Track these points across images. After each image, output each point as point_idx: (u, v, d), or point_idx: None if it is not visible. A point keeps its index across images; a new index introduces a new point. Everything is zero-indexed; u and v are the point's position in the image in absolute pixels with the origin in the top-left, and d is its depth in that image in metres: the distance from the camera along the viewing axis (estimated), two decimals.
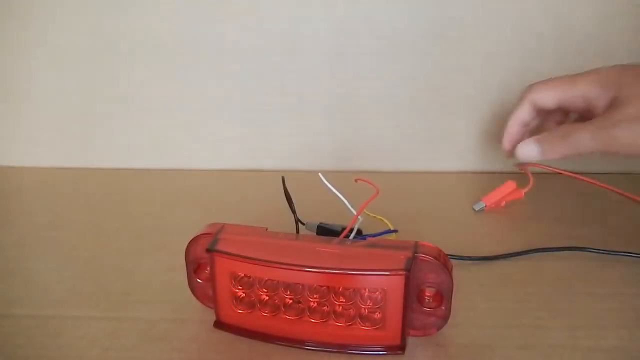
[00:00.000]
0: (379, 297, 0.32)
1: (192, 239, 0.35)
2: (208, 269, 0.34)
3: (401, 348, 0.32)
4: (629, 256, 0.43)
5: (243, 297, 0.34)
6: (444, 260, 0.32)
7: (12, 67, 0.63)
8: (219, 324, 0.35)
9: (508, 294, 0.39)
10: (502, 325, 0.36)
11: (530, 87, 0.48)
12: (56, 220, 0.53)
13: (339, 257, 0.33)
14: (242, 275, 0.34)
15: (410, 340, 0.34)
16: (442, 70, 0.61)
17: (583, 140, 0.42)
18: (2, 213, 0.55)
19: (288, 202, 0.41)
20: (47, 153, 0.66)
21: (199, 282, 0.36)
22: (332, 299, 0.33)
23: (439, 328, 0.33)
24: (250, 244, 0.33)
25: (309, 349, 0.33)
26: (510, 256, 0.44)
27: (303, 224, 0.44)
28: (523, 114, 0.48)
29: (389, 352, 0.33)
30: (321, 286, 0.33)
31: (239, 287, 0.34)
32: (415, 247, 0.32)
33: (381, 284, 0.31)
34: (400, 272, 0.30)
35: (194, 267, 0.36)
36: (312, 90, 0.63)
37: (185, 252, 0.35)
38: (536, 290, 0.40)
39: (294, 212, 0.41)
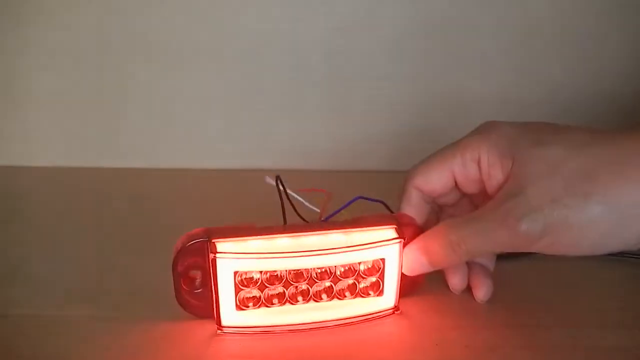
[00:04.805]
0: (378, 266, 0.35)
1: (179, 251, 0.33)
2: (198, 278, 0.34)
3: (397, 308, 0.36)
4: (629, 256, 0.43)
5: (243, 297, 0.34)
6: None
7: (12, 66, 0.63)
8: (218, 324, 0.35)
9: (508, 294, 0.39)
10: (502, 325, 0.36)
11: (411, 171, 0.38)
12: (56, 220, 0.53)
13: (334, 237, 0.34)
14: (243, 273, 0.33)
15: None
16: (442, 70, 0.61)
17: (473, 245, 0.33)
18: (2, 213, 0.55)
19: (282, 202, 0.40)
20: (47, 153, 0.66)
21: (190, 292, 0.35)
22: (336, 277, 0.35)
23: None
24: (244, 241, 0.33)
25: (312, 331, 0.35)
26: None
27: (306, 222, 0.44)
28: (411, 207, 0.38)
29: (387, 314, 0.36)
30: (322, 269, 0.34)
31: (240, 287, 0.34)
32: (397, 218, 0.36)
33: (381, 254, 0.35)
34: (396, 241, 0.35)
35: (183, 278, 0.34)
36: (312, 90, 0.63)
37: (173, 266, 0.33)
38: (536, 290, 0.40)
39: (284, 212, 0.40)
